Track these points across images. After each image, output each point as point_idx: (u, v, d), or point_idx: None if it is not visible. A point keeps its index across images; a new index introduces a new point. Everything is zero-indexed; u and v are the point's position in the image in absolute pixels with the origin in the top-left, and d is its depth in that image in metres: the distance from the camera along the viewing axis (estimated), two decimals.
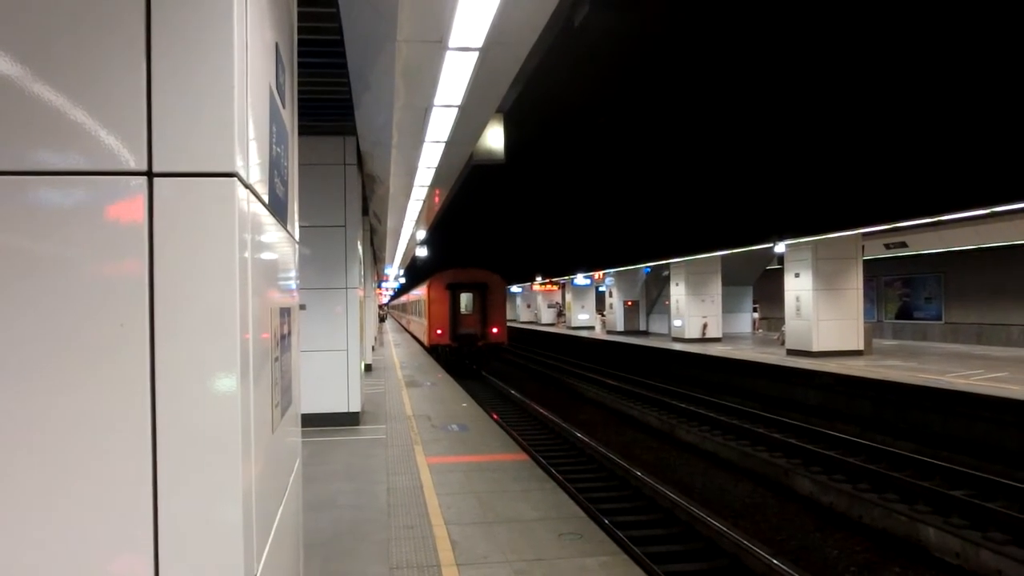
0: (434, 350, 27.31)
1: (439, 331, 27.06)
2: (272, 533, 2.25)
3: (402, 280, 51.67)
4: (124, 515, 1.72)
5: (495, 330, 27.23)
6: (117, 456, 1.71)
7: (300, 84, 6.36)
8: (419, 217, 17.39)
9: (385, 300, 63.87)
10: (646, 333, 34.79)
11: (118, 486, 1.71)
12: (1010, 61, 11.12)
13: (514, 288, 58.92)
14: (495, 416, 16.32)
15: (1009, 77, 11.16)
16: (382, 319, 66.72)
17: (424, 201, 14.47)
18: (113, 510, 1.71)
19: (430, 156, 9.86)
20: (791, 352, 20.73)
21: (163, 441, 1.73)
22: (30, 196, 1.69)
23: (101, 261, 1.72)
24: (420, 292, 32.89)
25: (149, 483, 1.73)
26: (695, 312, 27.67)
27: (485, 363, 27.52)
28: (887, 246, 23.76)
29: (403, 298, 53.94)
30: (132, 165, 1.73)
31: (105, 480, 1.71)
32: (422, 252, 28.49)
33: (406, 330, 47.81)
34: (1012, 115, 11.15)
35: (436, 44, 5.50)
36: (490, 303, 27.41)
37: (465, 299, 27.39)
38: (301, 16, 5.35)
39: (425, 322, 28.83)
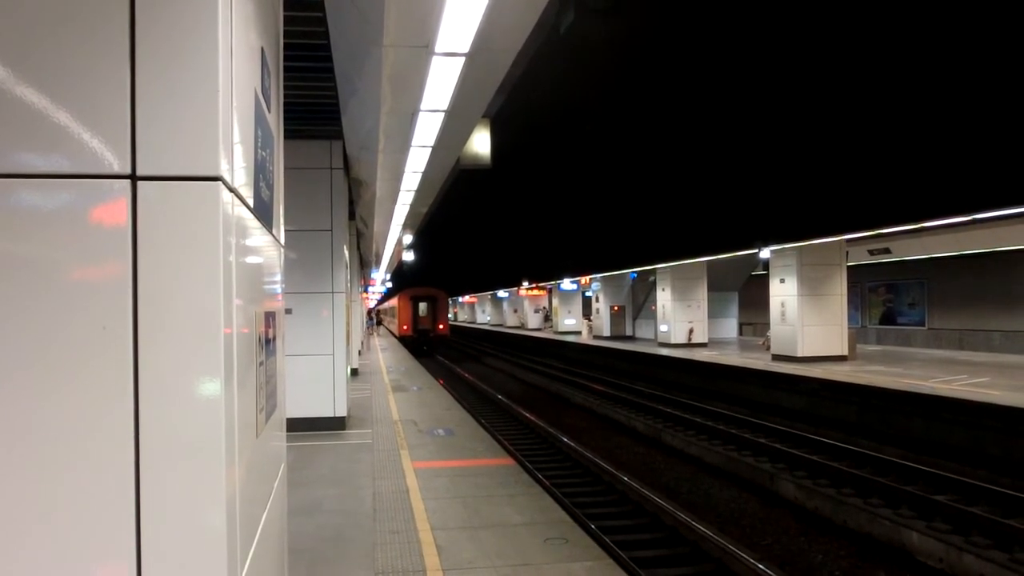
0: (403, 339, 41.50)
1: (405, 327, 41.50)
2: (256, 538, 2.24)
3: (389, 285, 55.08)
4: (106, 520, 1.70)
5: (441, 327, 42.23)
6: (99, 461, 1.70)
7: (287, 88, 6.35)
8: (405, 222, 17.38)
9: (372, 305, 64.90)
10: (632, 338, 34.88)
11: (100, 491, 1.70)
12: (992, 72, 11.26)
13: (501, 293, 59.05)
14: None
15: (990, 87, 11.30)
16: (379, 323, 68.41)
17: (410, 207, 14.47)
18: (95, 515, 1.70)
19: (417, 160, 9.86)
20: (776, 357, 20.84)
21: (146, 446, 1.72)
22: (12, 198, 1.68)
23: (84, 264, 1.71)
24: (394, 302, 51.27)
25: (132, 488, 1.71)
26: (681, 317, 27.75)
27: (435, 348, 41.16)
28: (871, 252, 23.97)
29: (384, 305, 75.44)
30: (116, 168, 1.72)
31: (87, 485, 1.70)
32: (409, 257, 28.70)
33: (388, 330, 62.55)
34: (993, 124, 11.28)
35: (422, 49, 5.51)
36: (438, 309, 42.12)
37: (422, 306, 41.65)
38: (288, 20, 5.35)
39: (396, 320, 44.86)
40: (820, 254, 20.30)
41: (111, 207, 1.72)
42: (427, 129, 8.08)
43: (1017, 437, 11.42)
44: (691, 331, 27.65)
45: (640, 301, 35.41)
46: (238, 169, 2.01)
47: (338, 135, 10.08)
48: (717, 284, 29.55)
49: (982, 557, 7.39)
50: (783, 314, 20.90)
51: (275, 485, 2.87)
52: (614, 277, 34.53)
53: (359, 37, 5.40)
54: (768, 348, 22.13)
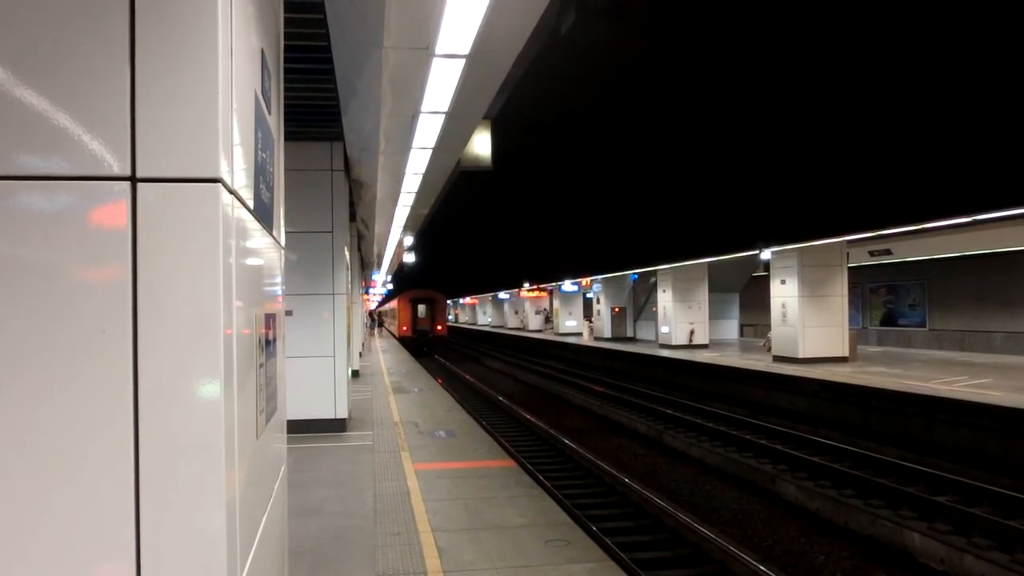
0: (402, 339, 43.30)
1: (405, 327, 43.19)
2: (256, 540, 2.24)
3: (390, 287, 55.67)
4: (106, 523, 1.70)
5: (439, 327, 43.95)
6: (99, 463, 1.70)
7: (287, 90, 6.35)
8: (406, 223, 17.38)
9: (373, 307, 65.41)
10: (634, 339, 34.86)
11: (100, 493, 1.70)
12: (993, 72, 11.26)
13: (502, 295, 59.10)
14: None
15: (991, 87, 11.30)
16: (380, 324, 69.16)
17: (411, 208, 14.47)
18: (95, 518, 1.70)
19: (417, 162, 9.86)
20: (777, 358, 20.82)
21: (146, 448, 1.72)
22: (12, 200, 1.68)
23: (84, 266, 1.71)
24: (394, 304, 53.31)
25: (131, 490, 1.71)
26: (682, 318, 27.73)
27: (434, 347, 42.84)
28: (871, 253, 23.93)
29: (385, 307, 78.19)
30: (116, 170, 1.72)
31: (87, 487, 1.69)
32: (410, 259, 28.73)
33: (388, 331, 64.60)
34: (993, 125, 11.28)
35: (423, 51, 5.51)
36: (436, 310, 43.86)
37: (421, 308, 43.30)
38: (288, 22, 5.36)
39: (397, 322, 46.95)
40: (821, 255, 20.28)
41: (111, 209, 1.72)
42: (428, 131, 8.08)
43: (1018, 438, 11.41)
44: (692, 332, 27.63)
45: (641, 302, 35.39)
46: (238, 171, 2.01)
47: (339, 137, 10.08)
48: (718, 285, 29.53)
49: (983, 558, 7.38)
50: (784, 315, 20.88)
51: (275, 487, 2.87)
52: (615, 278, 34.52)
53: (359, 39, 5.40)
54: (769, 349, 22.11)
